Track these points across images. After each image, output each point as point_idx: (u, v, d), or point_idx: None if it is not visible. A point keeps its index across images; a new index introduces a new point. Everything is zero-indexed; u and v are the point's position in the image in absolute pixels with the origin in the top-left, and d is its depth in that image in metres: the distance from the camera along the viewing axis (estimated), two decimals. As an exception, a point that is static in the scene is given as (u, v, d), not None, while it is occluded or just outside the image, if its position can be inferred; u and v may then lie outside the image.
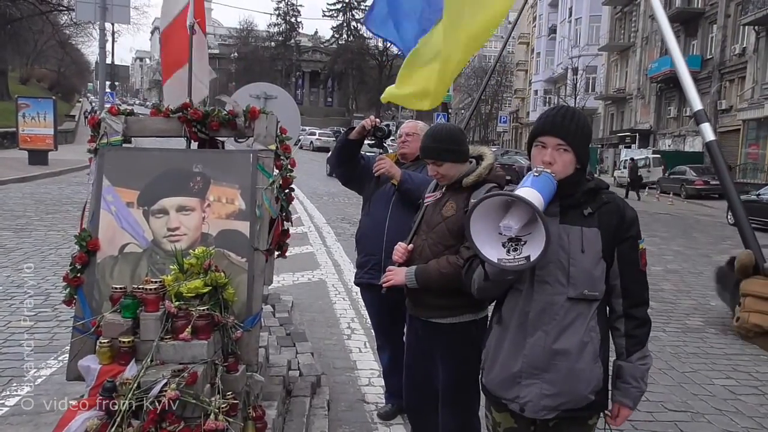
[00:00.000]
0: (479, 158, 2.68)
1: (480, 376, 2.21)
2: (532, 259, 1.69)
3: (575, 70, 41.05)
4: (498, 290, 2.08)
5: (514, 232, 1.70)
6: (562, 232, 1.94)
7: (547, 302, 1.95)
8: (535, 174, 1.83)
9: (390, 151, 3.65)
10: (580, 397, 1.96)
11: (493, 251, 1.73)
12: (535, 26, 59.42)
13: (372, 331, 4.90)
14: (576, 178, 1.97)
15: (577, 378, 1.95)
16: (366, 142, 3.51)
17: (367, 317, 5.45)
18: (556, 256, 1.93)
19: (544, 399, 1.96)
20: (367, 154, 3.65)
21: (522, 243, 1.72)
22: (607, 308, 2.06)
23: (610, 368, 2.09)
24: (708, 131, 1.27)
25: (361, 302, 6.01)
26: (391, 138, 3.66)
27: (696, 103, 1.33)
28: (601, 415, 2.09)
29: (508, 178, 2.60)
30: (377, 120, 3.45)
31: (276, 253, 3.28)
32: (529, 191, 1.71)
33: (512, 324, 2.03)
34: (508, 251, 1.73)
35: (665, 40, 1.47)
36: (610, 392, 2.07)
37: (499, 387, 2.06)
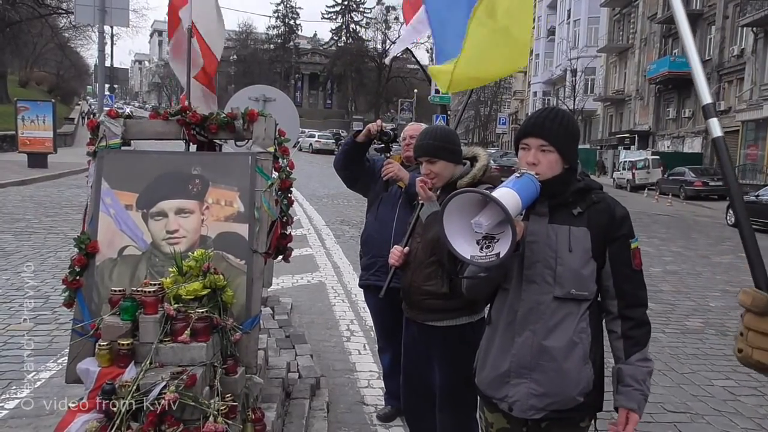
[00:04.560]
0: (473, 159, 2.67)
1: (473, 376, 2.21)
2: (501, 256, 1.70)
3: (574, 72, 41.12)
4: (486, 288, 2.07)
5: (485, 230, 1.71)
6: (550, 232, 1.94)
7: (534, 301, 1.95)
8: (517, 175, 1.85)
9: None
10: (567, 398, 1.94)
11: (468, 247, 1.75)
12: (534, 28, 59.50)
13: (371, 333, 4.92)
14: (565, 178, 1.97)
15: (564, 379, 1.93)
16: (373, 146, 3.51)
17: (367, 319, 5.46)
18: (544, 256, 1.93)
19: (531, 399, 1.95)
20: (373, 157, 3.66)
21: (495, 240, 1.74)
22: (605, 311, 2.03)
23: (606, 372, 2.05)
24: (716, 126, 1.25)
25: (361, 304, 6.02)
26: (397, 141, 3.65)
27: (705, 95, 1.29)
28: (607, 426, 2.02)
29: (504, 179, 2.60)
30: (383, 124, 3.46)
31: (279, 257, 3.27)
32: (506, 191, 1.73)
33: (501, 323, 2.03)
34: (482, 248, 1.75)
35: (680, 34, 1.43)
36: (613, 396, 2.00)
37: (490, 386, 2.05)
